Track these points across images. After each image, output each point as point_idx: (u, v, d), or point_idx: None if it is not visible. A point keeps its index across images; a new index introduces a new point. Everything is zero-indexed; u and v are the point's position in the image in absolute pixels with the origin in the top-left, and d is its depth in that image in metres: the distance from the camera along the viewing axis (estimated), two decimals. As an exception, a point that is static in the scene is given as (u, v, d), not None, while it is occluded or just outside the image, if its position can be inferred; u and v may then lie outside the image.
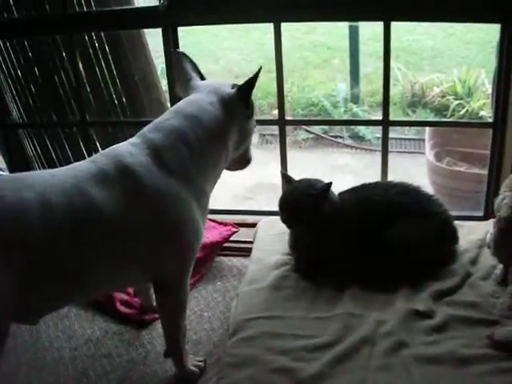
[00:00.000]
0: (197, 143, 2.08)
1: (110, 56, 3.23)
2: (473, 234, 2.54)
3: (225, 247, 3.09)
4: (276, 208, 2.42)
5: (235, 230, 3.10)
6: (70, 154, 3.49)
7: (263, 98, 6.33)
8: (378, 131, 4.82)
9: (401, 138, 5.65)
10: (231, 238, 3.08)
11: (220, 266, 3.07)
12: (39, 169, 3.54)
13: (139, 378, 2.39)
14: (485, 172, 3.12)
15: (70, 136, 3.48)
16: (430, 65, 6.67)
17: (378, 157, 3.15)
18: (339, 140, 5.85)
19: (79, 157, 3.20)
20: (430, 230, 2.31)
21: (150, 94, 3.37)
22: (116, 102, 3.34)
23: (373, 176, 3.15)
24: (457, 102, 5.58)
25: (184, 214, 2.04)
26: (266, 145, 5.81)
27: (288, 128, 3.41)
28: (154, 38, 3.31)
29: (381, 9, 2.76)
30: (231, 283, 2.93)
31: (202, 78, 2.30)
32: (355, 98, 6.30)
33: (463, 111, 5.49)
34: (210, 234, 2.94)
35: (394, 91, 5.66)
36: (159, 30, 2.99)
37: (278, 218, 2.42)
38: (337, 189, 2.42)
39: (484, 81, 5.61)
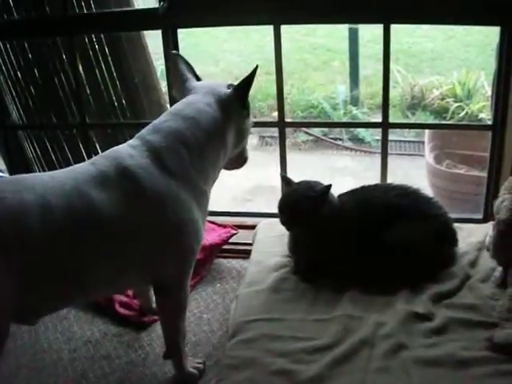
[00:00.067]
0: (195, 144, 2.08)
1: (109, 58, 3.23)
2: (472, 236, 2.54)
3: (224, 249, 3.09)
4: (275, 210, 2.42)
5: (234, 232, 3.10)
6: (69, 155, 3.49)
7: (263, 100, 6.33)
8: (377, 133, 4.81)
9: (400, 141, 5.65)
10: (230, 240, 3.08)
11: (219, 268, 3.07)
12: (39, 170, 3.54)
13: (138, 380, 2.39)
14: (484, 174, 3.12)
15: (69, 138, 3.48)
16: (429, 67, 6.68)
17: (378, 159, 3.15)
18: (339, 142, 5.85)
19: (79, 159, 3.19)
20: (429, 233, 2.31)
21: (149, 95, 3.37)
22: (116, 103, 3.34)
23: (372, 178, 3.15)
24: (456, 104, 5.58)
25: (184, 215, 2.05)
26: (266, 147, 5.81)
27: (288, 130, 3.41)
28: (153, 40, 3.31)
29: (380, 11, 2.76)
30: (230, 285, 2.93)
31: (198, 79, 2.31)
32: (355, 100, 6.31)
33: (463, 113, 5.49)
34: (209, 235, 2.94)
35: (393, 93, 5.66)
36: (159, 32, 3.00)
37: (277, 220, 2.43)
38: (336, 191, 2.42)
39: (483, 83, 5.61)
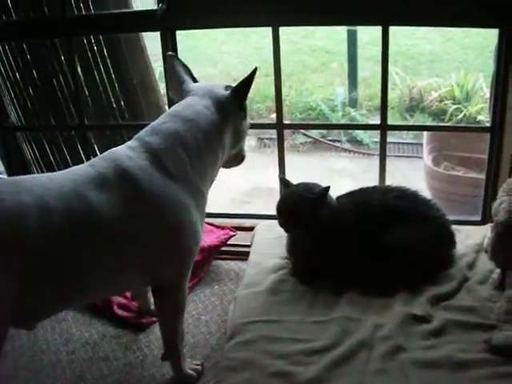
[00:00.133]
0: (194, 146, 2.08)
1: (108, 59, 3.23)
2: (470, 238, 2.55)
3: (222, 251, 3.09)
4: (274, 212, 2.42)
5: (233, 233, 3.10)
6: (68, 157, 3.49)
7: (261, 102, 6.34)
8: (375, 135, 4.81)
9: (399, 143, 5.66)
10: (229, 242, 3.08)
11: (218, 270, 3.07)
12: (37, 172, 3.54)
13: (137, 382, 2.39)
14: (482, 176, 3.12)
15: (68, 139, 3.48)
16: (428, 69, 6.69)
17: (376, 161, 3.15)
18: (337, 144, 5.85)
19: (77, 160, 3.20)
20: (427, 235, 2.31)
21: (148, 97, 3.37)
22: (114, 105, 3.34)
23: (371, 180, 3.15)
24: (455, 106, 5.59)
25: (183, 216, 2.05)
26: (264, 149, 5.81)
27: (286, 132, 3.42)
28: (152, 42, 3.31)
29: (379, 13, 2.76)
30: (229, 287, 2.93)
31: (195, 80, 2.31)
32: (353, 102, 6.31)
33: (461, 116, 5.50)
34: (207, 237, 2.94)
35: (392, 95, 5.67)
36: (157, 34, 3.00)
37: (275, 221, 2.43)
38: (335, 193, 2.42)
39: (482, 85, 5.63)
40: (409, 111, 6.02)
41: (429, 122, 5.67)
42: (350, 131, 5.86)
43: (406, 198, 2.40)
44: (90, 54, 3.21)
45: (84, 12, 3.07)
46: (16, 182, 1.90)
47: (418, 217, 2.34)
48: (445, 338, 1.99)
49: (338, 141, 5.88)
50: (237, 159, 2.41)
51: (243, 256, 2.86)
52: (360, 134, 5.76)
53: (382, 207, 2.35)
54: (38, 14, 3.11)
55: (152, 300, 2.51)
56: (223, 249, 3.08)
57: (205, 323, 2.69)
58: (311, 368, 1.89)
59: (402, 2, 2.71)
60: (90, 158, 2.23)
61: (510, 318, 2.01)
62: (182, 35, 3.15)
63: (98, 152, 3.33)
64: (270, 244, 2.63)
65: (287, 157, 3.19)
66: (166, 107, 3.20)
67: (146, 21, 2.99)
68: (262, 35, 6.21)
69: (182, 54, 3.04)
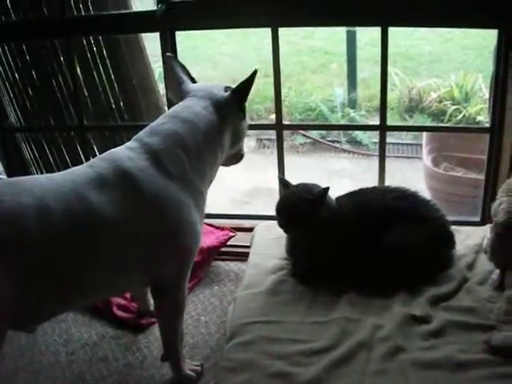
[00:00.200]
0: (194, 147, 2.09)
1: (107, 60, 3.23)
2: (470, 239, 2.55)
3: (222, 252, 3.09)
4: (273, 212, 2.42)
5: (232, 234, 3.10)
6: (67, 158, 3.49)
7: (260, 103, 6.34)
8: (375, 136, 4.82)
9: (398, 143, 5.66)
10: (228, 243, 3.08)
11: (217, 271, 3.07)
12: (37, 173, 3.54)
13: (136, 383, 2.39)
14: (482, 177, 3.12)
15: (67, 140, 3.48)
16: (427, 70, 6.69)
17: (376, 162, 3.15)
18: (337, 145, 5.85)
19: (77, 161, 3.20)
20: (427, 235, 2.31)
21: (147, 98, 3.37)
22: (114, 106, 3.33)
23: (370, 181, 3.14)
24: (454, 107, 5.59)
25: (183, 217, 2.05)
26: (264, 149, 5.81)
27: (285, 133, 3.41)
28: (151, 43, 3.31)
29: (378, 14, 2.76)
30: (228, 288, 2.92)
31: (193, 81, 2.31)
32: (352, 103, 6.31)
33: (460, 116, 5.50)
34: (207, 238, 2.94)
35: (391, 96, 5.67)
36: (157, 35, 2.99)
37: (275, 222, 2.43)
38: (334, 193, 2.42)
39: (481, 86, 5.63)
40: (408, 112, 6.02)
41: (428, 123, 5.66)
42: (350, 132, 5.86)
43: (405, 199, 2.40)
44: (89, 55, 3.21)
45: (83, 13, 3.07)
46: (15, 183, 1.90)
47: (417, 217, 2.35)
48: (444, 339, 1.99)
49: (338, 141, 5.88)
50: (236, 158, 2.42)
51: (243, 257, 2.86)
52: (359, 134, 5.76)
53: (382, 208, 2.35)
54: (38, 14, 3.11)
55: (151, 301, 2.52)
56: (223, 249, 3.08)
57: (204, 324, 2.69)
58: (311, 369, 1.89)
59: (401, 2, 2.71)
60: (89, 159, 2.23)
61: (510, 319, 2.01)
62: (181, 36, 3.15)
63: (97, 153, 3.33)
64: (269, 245, 2.63)
65: (286, 157, 3.19)
66: (166, 108, 3.20)
67: (146, 22, 2.99)
68: (261, 36, 6.20)
69: (181, 55, 3.05)
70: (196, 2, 2.93)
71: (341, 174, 5.27)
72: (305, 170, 4.98)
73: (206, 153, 2.13)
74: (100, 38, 3.18)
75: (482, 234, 2.52)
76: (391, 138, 5.38)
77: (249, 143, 5.72)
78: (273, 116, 3.28)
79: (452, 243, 2.43)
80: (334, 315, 2.15)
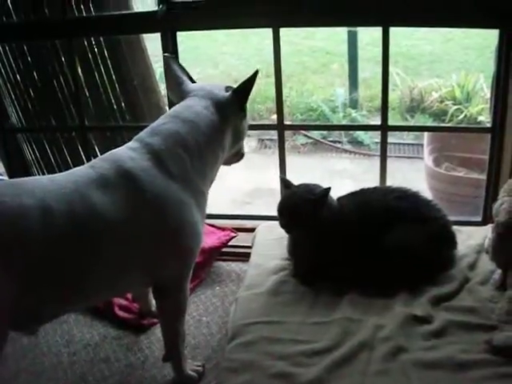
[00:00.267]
0: (195, 146, 2.09)
1: (109, 61, 3.23)
2: (471, 239, 2.54)
3: (223, 252, 3.09)
4: (275, 213, 2.42)
5: (234, 234, 3.10)
6: (68, 158, 3.49)
7: (262, 103, 6.34)
8: (376, 136, 4.80)
9: (399, 143, 5.66)
10: (230, 243, 3.08)
11: (219, 271, 3.07)
12: (38, 173, 3.54)
13: (138, 383, 2.39)
14: (483, 177, 3.12)
15: (68, 141, 3.48)
16: (428, 70, 6.69)
17: (377, 162, 3.15)
18: (338, 145, 5.85)
19: (78, 161, 3.21)
20: (428, 235, 2.31)
21: (148, 98, 3.37)
22: (115, 106, 3.33)
23: (371, 181, 3.15)
24: (455, 107, 5.59)
25: (185, 217, 2.05)
26: (265, 150, 5.81)
27: (287, 133, 3.41)
28: (152, 43, 3.31)
29: (379, 14, 2.76)
30: (230, 288, 2.93)
31: (192, 81, 2.31)
32: (354, 103, 6.31)
33: (462, 116, 5.49)
34: (208, 238, 2.94)
35: (392, 96, 5.67)
36: (158, 35, 3.00)
37: (276, 222, 2.43)
38: (335, 194, 2.42)
39: (482, 86, 5.62)
40: (409, 112, 6.01)
41: (429, 123, 5.66)
42: (351, 132, 5.85)
43: (406, 199, 2.40)
44: (90, 56, 3.21)
45: (84, 14, 3.07)
46: (17, 184, 1.90)
47: (418, 217, 2.34)
48: (446, 339, 1.99)
49: (339, 142, 5.88)
50: (236, 157, 2.42)
51: (244, 257, 2.86)
52: (361, 134, 5.75)
53: (383, 208, 2.35)
54: (39, 15, 3.11)
55: (153, 301, 2.53)
56: (224, 250, 3.08)
57: (206, 324, 2.69)
58: (312, 369, 1.89)
59: (402, 2, 2.71)
60: (90, 160, 2.23)
61: (511, 319, 2.01)
62: (182, 36, 3.15)
63: (98, 153, 3.33)
64: (270, 245, 2.63)
65: (288, 158, 3.19)
66: (167, 108, 3.20)
67: (147, 22, 3.00)
68: (262, 36, 6.19)
69: (182, 56, 3.06)
70: (197, 3, 2.92)
71: (342, 175, 5.27)
72: (306, 170, 4.98)
73: (207, 152, 2.13)
74: (101, 38, 3.18)
75: (484, 234, 2.52)
76: (392, 138, 5.38)
77: (250, 143, 5.72)
78: (274, 116, 3.28)
79: (453, 243, 2.42)
80: (335, 315, 2.15)
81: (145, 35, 3.27)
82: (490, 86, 3.10)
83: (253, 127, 2.39)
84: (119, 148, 2.08)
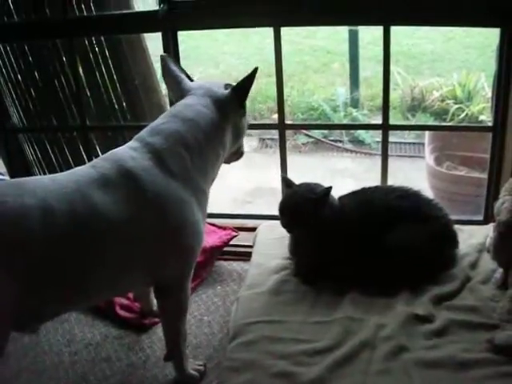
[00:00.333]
0: (195, 145, 2.09)
1: (110, 60, 3.23)
2: (473, 238, 2.54)
3: (225, 251, 3.09)
4: (276, 212, 2.42)
5: (235, 234, 3.10)
6: (70, 158, 3.49)
7: (263, 103, 6.34)
8: (377, 135, 4.81)
9: (400, 142, 5.65)
10: (231, 243, 3.08)
11: (220, 271, 3.07)
12: (39, 173, 3.54)
13: (139, 382, 2.39)
14: (485, 176, 3.12)
15: (70, 140, 3.48)
16: (429, 69, 6.68)
17: (378, 161, 3.15)
18: (339, 144, 5.84)
19: (79, 161, 3.21)
20: (429, 235, 2.31)
21: (150, 98, 3.37)
22: (116, 106, 3.33)
23: (373, 180, 3.15)
24: (456, 106, 5.57)
25: (186, 216, 2.05)
26: (266, 149, 5.81)
27: (288, 132, 3.41)
28: (153, 42, 3.31)
29: (380, 13, 2.76)
30: (231, 287, 2.93)
31: (190, 79, 2.31)
32: (355, 102, 6.30)
33: (463, 115, 5.48)
34: (209, 238, 2.94)
35: (393, 95, 5.66)
36: (159, 34, 3.00)
37: (277, 222, 2.43)
38: (337, 193, 2.42)
39: (484, 85, 5.61)
40: (410, 111, 6.00)
41: (431, 122, 5.65)
42: (352, 131, 5.85)
43: (408, 198, 2.40)
44: (91, 55, 3.21)
45: (85, 13, 3.07)
46: (18, 184, 1.90)
47: (420, 217, 2.34)
48: (447, 338, 1.99)
49: (340, 141, 5.87)
50: (236, 155, 2.42)
51: (245, 256, 2.86)
52: (362, 133, 5.75)
53: (384, 207, 2.35)
54: (40, 15, 3.11)
55: (154, 301, 2.53)
56: (225, 249, 3.08)
57: (207, 324, 2.69)
58: (313, 368, 1.89)
59: (403, 1, 2.71)
60: (91, 159, 2.23)
61: (513, 318, 2.01)
62: (183, 36, 3.15)
63: (99, 153, 3.33)
64: (272, 244, 2.63)
65: (289, 157, 3.19)
66: (168, 108, 3.20)
67: (148, 22, 3.00)
68: (263, 35, 6.19)
69: (183, 55, 3.06)
70: (198, 2, 2.93)
71: (343, 174, 5.27)
72: (307, 169, 4.98)
73: (207, 151, 2.13)
74: (102, 38, 3.18)
75: (485, 233, 2.52)
76: (394, 137, 5.37)
77: (251, 143, 5.72)
78: (275, 115, 3.28)
79: (455, 242, 2.42)
80: (336, 315, 2.15)
81: (146, 35, 3.27)
82: (491, 84, 3.10)
83: (254, 127, 2.40)
84: (120, 147, 2.08)
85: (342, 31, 6.37)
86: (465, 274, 2.31)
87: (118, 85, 3.29)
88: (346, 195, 2.47)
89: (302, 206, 2.31)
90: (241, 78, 2.20)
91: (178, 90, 2.25)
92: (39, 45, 3.25)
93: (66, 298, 1.96)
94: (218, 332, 2.64)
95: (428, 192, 3.47)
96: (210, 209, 2.23)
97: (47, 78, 3.31)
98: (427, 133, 4.70)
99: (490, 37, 5.46)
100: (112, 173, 1.95)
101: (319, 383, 1.84)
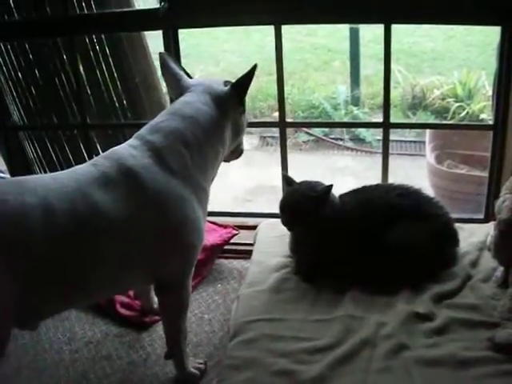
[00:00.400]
0: (195, 143, 2.09)
1: (110, 58, 3.23)
2: (473, 236, 2.54)
3: (225, 249, 3.09)
4: (276, 210, 2.42)
5: (236, 232, 3.10)
6: (70, 156, 3.49)
7: (263, 101, 6.34)
8: (378, 133, 4.81)
9: (401, 141, 5.65)
10: (232, 241, 3.08)
11: (220, 269, 3.07)
12: (40, 171, 3.54)
13: (140, 381, 2.39)
14: (485, 174, 3.12)
15: (70, 138, 3.48)
16: (430, 67, 6.67)
17: (379, 159, 3.15)
18: (340, 142, 5.84)
19: (80, 159, 3.20)
20: (430, 233, 2.31)
21: (150, 96, 3.37)
22: (117, 104, 3.33)
23: (373, 178, 3.15)
24: (457, 104, 5.58)
25: (187, 214, 2.05)
26: (267, 147, 5.81)
27: (288, 130, 3.41)
28: (154, 40, 3.31)
29: (381, 11, 2.76)
30: (232, 285, 2.93)
31: (189, 76, 2.31)
32: (356, 101, 6.30)
33: (464, 113, 5.48)
34: (210, 236, 2.94)
35: (394, 93, 5.65)
36: (160, 32, 3.00)
37: (278, 220, 2.43)
38: (337, 191, 2.42)
39: (484, 83, 5.61)
40: (411, 109, 6.00)
41: (431, 120, 5.66)
42: (353, 129, 5.85)
43: (408, 196, 2.40)
44: (92, 53, 3.21)
45: (86, 11, 3.07)
46: (19, 183, 1.90)
47: (420, 215, 2.34)
48: (448, 336, 1.99)
49: (341, 139, 5.87)
50: (236, 153, 2.42)
51: (246, 255, 2.86)
52: (362, 132, 5.75)
53: (385, 205, 2.35)
54: (40, 13, 3.12)
55: (155, 299, 2.53)
56: (226, 247, 3.08)
57: (208, 322, 2.69)
58: (314, 366, 1.89)
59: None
60: (92, 157, 2.23)
61: (514, 316, 2.01)
62: (184, 34, 3.15)
63: (100, 151, 3.33)
64: (272, 242, 2.63)
65: (290, 155, 3.19)
66: (168, 106, 3.20)
67: (148, 19, 2.99)
68: (264, 33, 6.19)
69: (184, 53, 3.06)
70: (198, 0, 2.92)
71: (344, 172, 5.27)
72: (308, 167, 4.98)
73: (207, 148, 2.13)
74: (103, 35, 3.18)
75: (486, 232, 2.52)
76: (394, 135, 5.36)
77: (252, 141, 5.72)
78: (276, 114, 3.28)
79: (456, 241, 2.42)
80: (337, 313, 2.15)
81: (146, 33, 3.27)
82: (492, 83, 3.10)
83: (254, 124, 2.40)
84: (120, 145, 2.08)
85: (343, 29, 6.38)
86: (465, 273, 2.31)
87: (118, 83, 3.29)
88: (347, 193, 2.47)
89: (303, 204, 2.30)
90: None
91: (178, 88, 2.25)
92: (40, 43, 3.25)
93: (66, 296, 1.96)
94: (219, 330, 2.64)
95: (429, 190, 3.48)
96: (211, 207, 2.23)
97: (48, 75, 3.31)
98: (428, 131, 4.70)
99: (490, 35, 5.45)
100: (112, 171, 1.95)
101: (320, 381, 1.84)
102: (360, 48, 6.39)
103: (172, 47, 2.99)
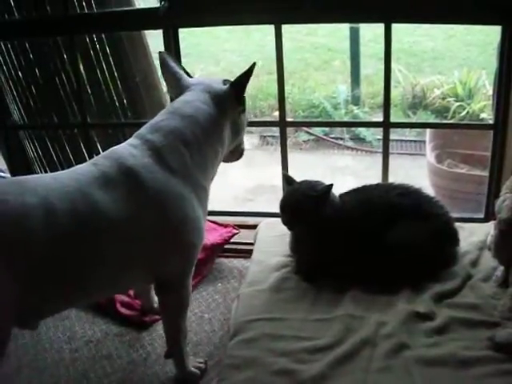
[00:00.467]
0: (195, 142, 2.09)
1: (110, 57, 3.23)
2: (473, 235, 2.54)
3: (225, 249, 3.09)
4: (277, 209, 2.42)
5: (236, 231, 3.10)
6: (70, 155, 3.49)
7: (264, 100, 6.34)
8: (378, 133, 4.82)
9: (401, 140, 5.65)
10: (232, 240, 3.08)
11: (221, 268, 3.07)
12: (40, 170, 3.54)
13: (140, 380, 2.39)
14: (486, 174, 3.12)
15: (70, 138, 3.48)
16: (430, 66, 6.67)
17: (379, 158, 3.15)
18: (340, 142, 5.84)
19: (80, 159, 3.20)
20: (430, 232, 2.31)
21: (150, 95, 3.36)
22: (117, 103, 3.33)
23: (374, 178, 3.15)
24: (457, 103, 5.58)
25: (187, 213, 2.05)
26: (267, 146, 5.81)
27: (289, 130, 3.41)
28: (154, 40, 3.31)
29: (382, 10, 2.76)
30: (232, 285, 2.93)
31: (189, 76, 2.31)
32: (356, 100, 6.30)
33: (464, 113, 5.49)
34: (210, 235, 2.94)
35: (394, 93, 5.65)
36: (160, 32, 3.00)
37: (278, 219, 2.43)
38: (338, 190, 2.42)
39: (485, 82, 5.61)
40: (411, 108, 6.00)
41: (432, 120, 5.65)
42: (353, 129, 5.85)
43: (409, 196, 2.40)
44: (92, 52, 3.21)
45: (86, 10, 3.07)
46: (20, 182, 1.90)
47: (421, 214, 2.34)
48: (448, 336, 1.99)
49: (341, 138, 5.87)
50: (236, 153, 2.42)
51: (246, 254, 2.86)
52: (363, 131, 5.75)
53: (385, 205, 2.35)
54: (41, 12, 3.11)
55: (155, 298, 2.53)
56: (226, 247, 3.08)
57: (208, 321, 2.69)
58: (314, 366, 1.89)
59: (405, -1, 2.71)
60: (92, 157, 2.23)
61: (514, 316, 2.01)
62: (184, 33, 3.14)
63: (100, 150, 3.33)
64: (273, 242, 2.63)
65: (290, 154, 3.19)
66: (168, 105, 3.20)
67: (149, 19, 2.99)
68: (264, 33, 6.19)
69: (184, 52, 3.05)
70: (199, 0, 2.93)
71: (344, 171, 5.27)
72: (308, 166, 4.98)
73: (206, 147, 2.13)
74: (103, 35, 3.18)
75: (486, 231, 2.52)
76: (394, 134, 5.35)
77: (252, 140, 5.72)
78: (276, 113, 3.28)
79: (456, 240, 2.42)
80: (337, 312, 2.15)
81: (147, 32, 3.27)
82: (493, 82, 3.10)
83: (255, 124, 2.40)
84: (120, 145, 2.08)
85: (343, 29, 6.37)
86: (466, 272, 2.31)
87: (118, 82, 3.29)
88: (347, 193, 2.47)
89: (303, 204, 2.30)
90: (241, 75, 2.20)
91: (177, 87, 2.25)
92: (40, 42, 3.25)
93: (67, 295, 1.96)
94: (219, 329, 2.64)
95: (429, 190, 3.48)
96: (211, 206, 2.23)
97: (48, 75, 3.31)
98: (428, 130, 4.70)
99: (491, 34, 5.46)
100: (113, 171, 1.95)
101: (320, 380, 1.84)
102: (360, 47, 6.39)
103: (172, 46, 2.99)
